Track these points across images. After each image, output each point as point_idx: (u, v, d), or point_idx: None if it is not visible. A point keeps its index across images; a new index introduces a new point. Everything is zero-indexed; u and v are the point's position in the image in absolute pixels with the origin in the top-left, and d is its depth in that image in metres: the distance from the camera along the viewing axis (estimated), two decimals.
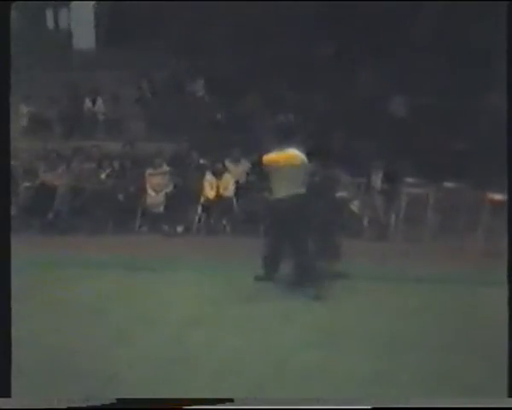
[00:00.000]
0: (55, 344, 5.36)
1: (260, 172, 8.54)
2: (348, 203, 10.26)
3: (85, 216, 10.74)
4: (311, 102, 12.70)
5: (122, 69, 14.23)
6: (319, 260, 7.37)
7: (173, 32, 14.05)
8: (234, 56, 13.38)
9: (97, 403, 4.20)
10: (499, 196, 8.51)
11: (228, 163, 11.28)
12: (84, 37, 16.29)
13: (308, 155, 7.20)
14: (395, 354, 5.27)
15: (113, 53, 14.83)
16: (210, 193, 10.85)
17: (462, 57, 11.95)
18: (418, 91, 12.20)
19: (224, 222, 10.70)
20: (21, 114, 13.83)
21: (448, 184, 10.15)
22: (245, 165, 11.37)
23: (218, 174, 10.96)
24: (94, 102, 14.17)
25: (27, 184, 11.26)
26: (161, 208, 10.96)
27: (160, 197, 11.00)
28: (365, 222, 10.42)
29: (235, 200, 10.85)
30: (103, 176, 11.43)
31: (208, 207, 10.84)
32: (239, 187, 11.00)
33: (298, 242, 7.12)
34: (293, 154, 7.14)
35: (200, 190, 10.89)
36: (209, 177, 10.96)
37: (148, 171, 11.15)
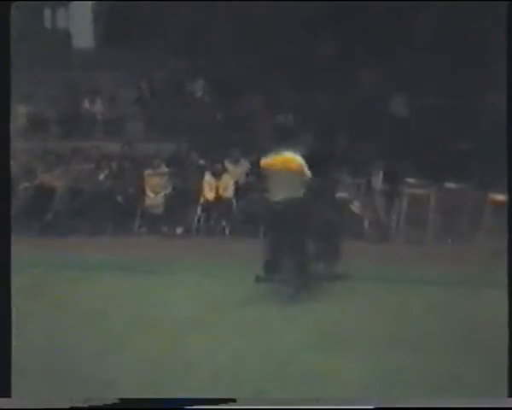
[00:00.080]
0: (55, 344, 5.34)
1: (259, 174, 8.52)
2: (349, 204, 10.24)
3: (84, 217, 10.71)
4: (311, 102, 12.66)
5: (121, 69, 14.17)
6: (319, 261, 7.35)
7: (173, 32, 14.00)
8: (234, 56, 13.34)
9: (98, 403, 4.18)
10: (501, 197, 8.46)
11: (227, 164, 11.25)
12: (84, 37, 16.24)
13: (306, 158, 7.18)
14: (396, 355, 5.23)
15: (113, 53, 14.77)
16: (209, 194, 10.82)
17: (462, 57, 11.93)
18: (419, 91, 12.16)
19: (224, 223, 10.66)
20: (20, 114, 13.77)
21: (449, 185, 10.12)
22: (244, 165, 11.33)
23: (217, 175, 10.92)
24: (93, 103, 14.13)
25: (26, 184, 11.22)
26: (160, 209, 10.92)
27: (159, 198, 10.96)
28: (366, 223, 10.38)
29: (234, 201, 10.81)
30: (102, 177, 11.39)
31: (208, 208, 10.81)
32: (238, 188, 10.97)
33: (296, 243, 7.10)
34: (290, 157, 7.13)
35: (200, 190, 10.86)
36: (208, 177, 10.93)
37: (147, 172, 11.12)
